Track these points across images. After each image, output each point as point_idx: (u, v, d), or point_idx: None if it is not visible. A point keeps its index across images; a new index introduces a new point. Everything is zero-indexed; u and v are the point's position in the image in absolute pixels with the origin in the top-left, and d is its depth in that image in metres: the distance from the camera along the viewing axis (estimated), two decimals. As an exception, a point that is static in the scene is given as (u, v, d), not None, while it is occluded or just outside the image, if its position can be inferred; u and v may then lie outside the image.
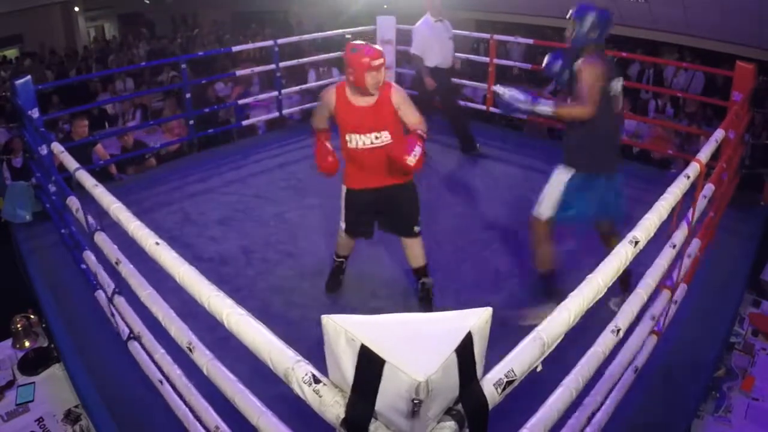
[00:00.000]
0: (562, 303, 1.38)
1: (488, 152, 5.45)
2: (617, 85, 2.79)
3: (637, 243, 1.66)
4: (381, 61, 2.75)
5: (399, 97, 2.87)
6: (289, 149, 5.53)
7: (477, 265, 3.65)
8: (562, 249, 3.29)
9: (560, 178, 2.93)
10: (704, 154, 2.41)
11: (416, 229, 3.12)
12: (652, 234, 1.77)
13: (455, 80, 5.81)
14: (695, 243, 2.93)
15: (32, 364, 3.13)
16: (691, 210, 2.42)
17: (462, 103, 6.24)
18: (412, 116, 2.88)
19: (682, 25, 7.78)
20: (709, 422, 2.83)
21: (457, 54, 5.88)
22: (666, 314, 2.62)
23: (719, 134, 2.74)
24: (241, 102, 6.29)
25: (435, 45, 4.97)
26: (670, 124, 6.54)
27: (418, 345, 0.98)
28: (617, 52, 7.20)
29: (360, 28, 6.38)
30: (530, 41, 6.50)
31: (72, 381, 2.84)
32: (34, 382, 3.03)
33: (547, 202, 2.96)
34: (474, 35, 6.91)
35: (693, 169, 2.27)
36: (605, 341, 1.75)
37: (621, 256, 1.60)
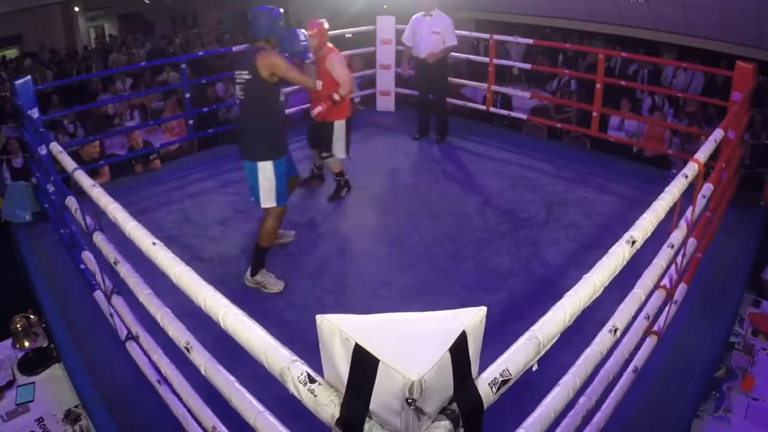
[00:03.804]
0: (558, 303, 1.37)
1: (488, 152, 5.46)
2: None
3: (634, 243, 1.66)
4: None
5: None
6: (288, 149, 5.52)
7: (477, 265, 3.65)
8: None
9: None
10: (702, 153, 2.40)
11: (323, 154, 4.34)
12: (649, 234, 1.76)
13: (450, 79, 5.92)
14: (695, 243, 2.93)
15: (32, 364, 3.13)
16: (690, 210, 2.41)
17: (461, 102, 6.25)
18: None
19: (682, 25, 7.77)
20: (709, 422, 2.82)
21: (457, 54, 5.89)
22: (666, 314, 2.62)
23: (718, 134, 2.73)
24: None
25: (415, 37, 5.34)
26: (669, 123, 6.53)
27: (412, 344, 0.98)
28: (617, 53, 7.23)
29: (360, 28, 6.38)
30: (530, 41, 6.49)
31: (72, 381, 2.85)
32: (34, 382, 3.03)
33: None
34: (474, 35, 6.91)
35: (691, 169, 2.26)
36: (602, 341, 1.75)
37: (618, 255, 1.59)
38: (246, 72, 3.11)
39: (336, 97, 3.91)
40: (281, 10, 3.22)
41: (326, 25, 4.10)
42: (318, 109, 3.99)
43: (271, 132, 3.25)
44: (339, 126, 4.21)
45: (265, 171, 3.26)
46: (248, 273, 3.44)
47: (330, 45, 4.11)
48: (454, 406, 1.04)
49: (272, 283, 3.42)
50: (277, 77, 3.10)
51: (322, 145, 4.31)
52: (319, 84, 3.50)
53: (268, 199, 3.31)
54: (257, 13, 3.14)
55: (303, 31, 3.55)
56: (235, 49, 6.04)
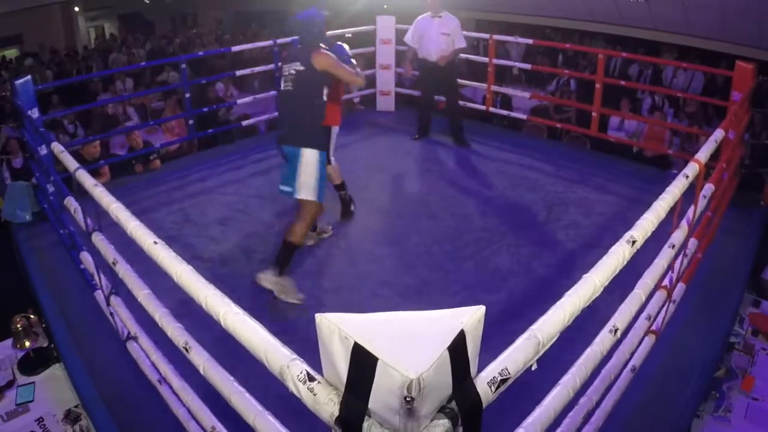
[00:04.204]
0: (558, 302, 1.37)
1: (488, 152, 5.47)
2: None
3: (634, 242, 1.66)
4: None
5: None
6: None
7: (477, 265, 3.65)
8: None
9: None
10: (703, 154, 2.40)
11: None
12: (649, 234, 1.77)
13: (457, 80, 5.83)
14: (695, 243, 2.93)
15: (32, 364, 3.13)
16: (691, 210, 2.41)
17: (461, 103, 6.24)
18: None
19: (682, 25, 7.77)
20: (709, 422, 2.82)
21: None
22: (664, 314, 2.62)
23: (719, 134, 2.73)
24: (240, 101, 6.29)
25: (423, 38, 5.26)
26: (669, 123, 6.53)
27: (411, 343, 0.98)
28: (617, 53, 7.23)
29: (360, 28, 6.39)
30: (530, 41, 6.49)
31: (72, 381, 2.85)
32: (34, 382, 3.03)
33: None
34: (474, 35, 6.91)
35: (692, 169, 2.26)
36: (603, 341, 1.75)
37: (618, 255, 1.59)
38: (299, 63, 3.16)
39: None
40: (325, 13, 3.27)
41: None
42: None
43: (318, 124, 3.21)
44: (335, 131, 4.02)
45: (309, 160, 3.15)
46: (270, 272, 3.23)
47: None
48: (453, 404, 1.04)
49: (292, 292, 3.24)
50: (327, 74, 3.17)
51: None
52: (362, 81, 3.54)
53: (306, 191, 3.17)
54: (304, 21, 3.22)
55: (345, 45, 3.67)
56: (234, 48, 6.06)
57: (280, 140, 3.26)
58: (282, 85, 3.26)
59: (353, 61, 3.59)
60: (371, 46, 6.39)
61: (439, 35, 5.18)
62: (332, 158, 4.04)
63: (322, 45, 3.25)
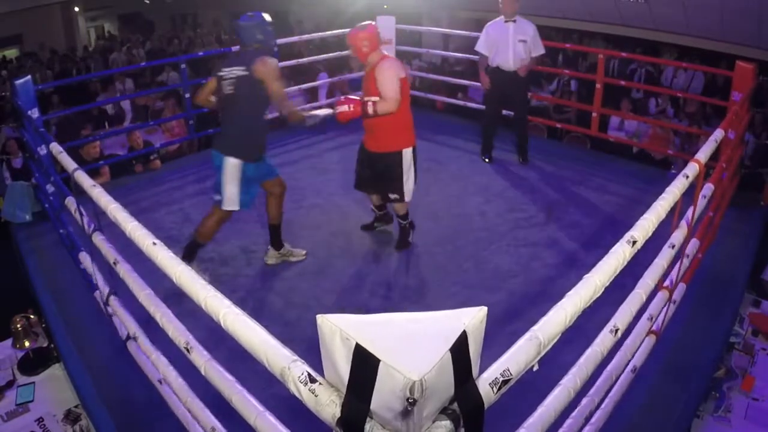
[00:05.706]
0: (559, 303, 1.37)
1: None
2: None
3: (634, 243, 1.66)
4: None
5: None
6: (288, 149, 5.53)
7: (477, 265, 3.65)
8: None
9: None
10: (703, 154, 2.40)
11: (391, 196, 3.56)
12: (650, 234, 1.77)
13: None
14: (695, 243, 2.93)
15: (32, 364, 3.13)
16: (690, 210, 2.41)
17: (461, 103, 6.23)
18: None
19: (682, 25, 7.77)
20: (709, 422, 2.83)
21: (457, 54, 5.85)
22: (665, 314, 2.62)
23: (719, 134, 2.73)
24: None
25: (497, 45, 4.82)
26: (670, 124, 6.53)
27: (413, 344, 0.98)
28: (617, 53, 7.23)
29: (360, 28, 6.37)
30: (530, 41, 6.48)
31: (72, 381, 2.85)
32: (34, 382, 3.04)
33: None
34: (474, 35, 6.89)
35: (692, 169, 2.26)
36: (603, 341, 1.75)
37: (619, 255, 1.59)
38: (243, 68, 3.08)
39: (369, 109, 3.19)
40: (262, 14, 3.17)
41: (377, 28, 3.58)
42: (344, 108, 3.22)
43: (250, 132, 3.21)
44: (407, 156, 3.42)
45: (231, 169, 3.23)
46: (271, 251, 3.66)
47: (384, 52, 3.48)
48: (455, 406, 1.04)
49: (295, 251, 3.68)
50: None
51: (386, 185, 3.52)
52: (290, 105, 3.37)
53: (228, 199, 3.29)
54: (247, 23, 3.14)
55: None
56: (234, 49, 6.06)
57: (213, 144, 3.34)
58: (224, 88, 3.13)
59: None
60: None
61: (516, 42, 4.69)
62: (407, 194, 3.51)
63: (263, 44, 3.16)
